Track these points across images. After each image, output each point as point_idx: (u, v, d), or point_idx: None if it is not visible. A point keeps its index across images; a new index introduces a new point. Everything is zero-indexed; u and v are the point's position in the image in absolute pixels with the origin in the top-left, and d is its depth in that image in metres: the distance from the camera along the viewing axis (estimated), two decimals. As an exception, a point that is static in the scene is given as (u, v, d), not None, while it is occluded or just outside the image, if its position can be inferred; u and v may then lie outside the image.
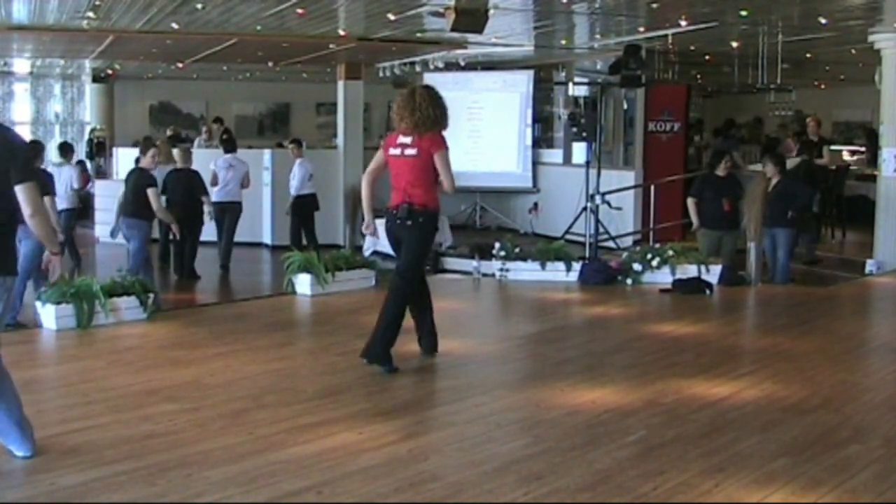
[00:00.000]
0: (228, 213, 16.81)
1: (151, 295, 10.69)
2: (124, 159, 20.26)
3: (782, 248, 13.61)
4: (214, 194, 16.55)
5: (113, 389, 7.70)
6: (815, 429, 6.88)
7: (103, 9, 14.01)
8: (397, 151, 8.79)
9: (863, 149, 22.82)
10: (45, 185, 10.58)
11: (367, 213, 9.19)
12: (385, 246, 17.27)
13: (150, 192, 13.00)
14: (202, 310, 12.27)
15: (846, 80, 24.39)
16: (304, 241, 17.46)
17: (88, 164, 25.01)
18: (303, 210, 17.94)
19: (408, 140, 8.71)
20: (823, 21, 13.89)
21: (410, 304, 8.86)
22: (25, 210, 5.86)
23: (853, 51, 17.35)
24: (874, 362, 9.68)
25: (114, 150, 23.66)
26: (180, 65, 22.64)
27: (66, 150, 16.74)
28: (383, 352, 8.41)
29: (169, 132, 26.82)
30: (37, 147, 13.08)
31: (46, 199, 10.74)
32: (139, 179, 13.14)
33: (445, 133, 8.78)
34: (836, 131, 26.52)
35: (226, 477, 5.77)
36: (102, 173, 24.61)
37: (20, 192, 5.82)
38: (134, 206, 13.09)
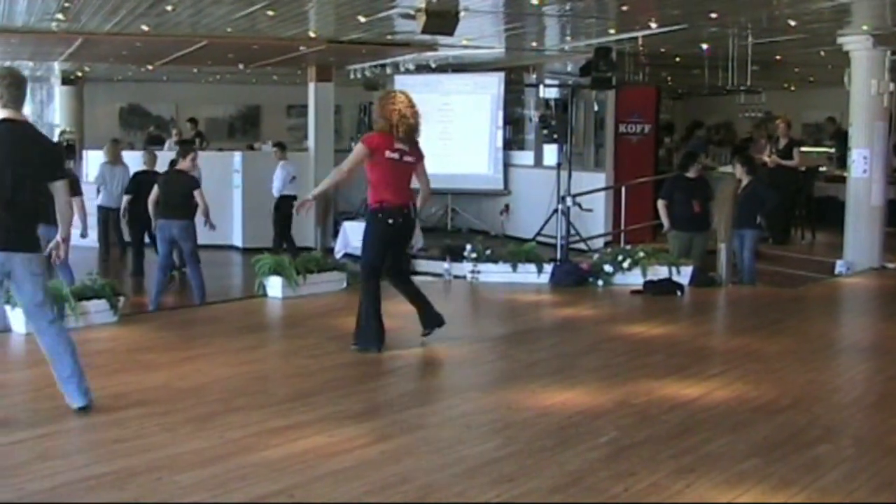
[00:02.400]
0: None
1: (122, 298, 10.66)
2: (94, 162, 20.16)
3: (748, 249, 13.67)
4: None
5: (82, 393, 7.65)
6: (786, 429, 6.91)
7: (72, 10, 13.95)
8: (396, 156, 8.97)
9: (832, 150, 22.92)
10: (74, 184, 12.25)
11: (319, 192, 9.80)
12: (356, 249, 17.34)
13: (198, 193, 13.10)
14: (172, 313, 12.22)
15: (815, 81, 24.50)
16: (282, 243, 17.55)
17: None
18: (283, 211, 18.00)
19: (405, 147, 8.97)
20: (792, 23, 13.96)
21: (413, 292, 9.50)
22: (61, 199, 7.06)
23: (822, 53, 17.43)
24: (843, 362, 9.74)
25: (84, 152, 23.53)
26: (150, 67, 22.56)
27: None
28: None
29: (152, 131, 26.82)
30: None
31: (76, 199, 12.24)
32: (188, 182, 13.19)
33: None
34: (806, 132, 26.63)
35: (196, 481, 5.74)
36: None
37: (59, 186, 7.01)
38: (185, 208, 13.13)
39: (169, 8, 13.59)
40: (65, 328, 7.38)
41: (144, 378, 8.20)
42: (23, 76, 7.12)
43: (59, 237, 7.16)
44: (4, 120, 6.76)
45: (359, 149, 9.09)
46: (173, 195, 13.16)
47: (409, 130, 8.91)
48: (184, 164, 13.41)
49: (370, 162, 9.00)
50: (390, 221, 9.03)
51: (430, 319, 9.50)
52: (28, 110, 27.57)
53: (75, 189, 12.75)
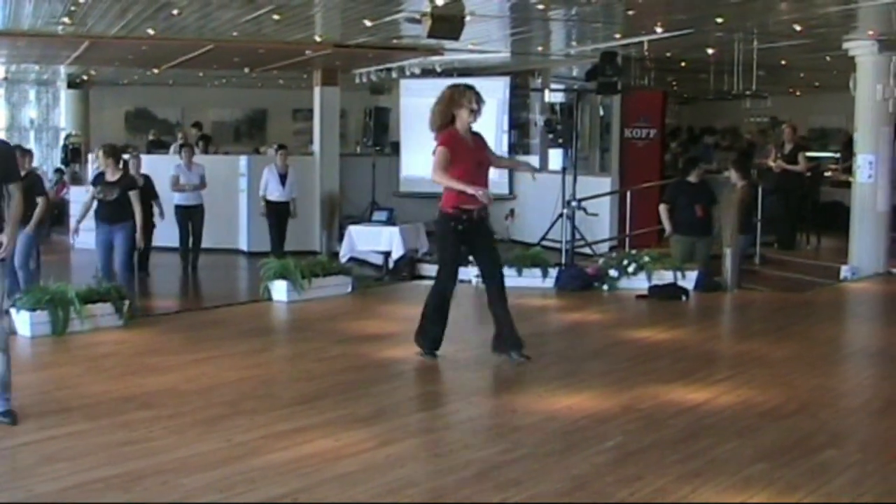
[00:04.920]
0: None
1: (127, 301, 10.67)
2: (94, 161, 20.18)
3: (733, 254, 13.69)
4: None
5: (89, 396, 7.66)
6: (792, 434, 6.90)
7: (79, 14, 13.97)
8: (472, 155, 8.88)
9: (838, 155, 22.92)
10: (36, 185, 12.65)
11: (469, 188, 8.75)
12: (362, 252, 17.34)
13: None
14: (178, 316, 12.22)
15: (821, 86, 24.50)
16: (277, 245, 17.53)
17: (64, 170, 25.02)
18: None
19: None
20: (798, 28, 13.95)
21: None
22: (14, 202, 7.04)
23: (828, 58, 17.43)
24: (850, 368, 9.74)
25: (89, 156, 23.56)
26: (156, 71, 22.59)
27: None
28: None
29: (151, 137, 26.83)
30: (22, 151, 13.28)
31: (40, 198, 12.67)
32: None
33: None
34: (812, 138, 26.64)
35: (203, 484, 5.75)
36: (78, 179, 24.51)
37: (13, 189, 7.02)
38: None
39: (175, 12, 13.61)
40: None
41: (151, 381, 8.20)
42: None
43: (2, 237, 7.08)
44: None
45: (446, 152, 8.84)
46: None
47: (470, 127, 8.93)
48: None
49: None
50: (465, 226, 8.96)
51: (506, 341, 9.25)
52: (34, 114, 27.88)
53: (39, 189, 12.85)
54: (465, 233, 8.88)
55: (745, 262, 14.82)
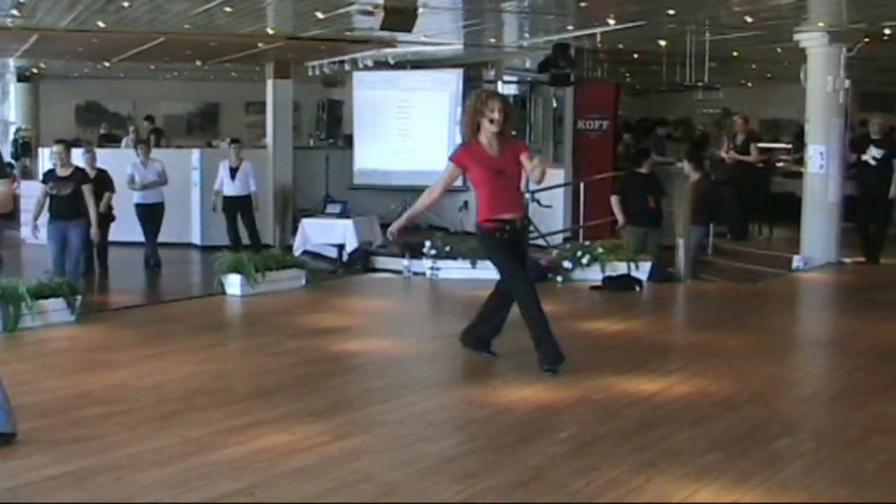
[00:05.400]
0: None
1: (79, 297, 10.59)
2: (51, 158, 20.03)
3: (689, 246, 13.76)
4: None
5: (41, 393, 7.59)
6: (745, 423, 6.95)
7: (28, 6, 13.85)
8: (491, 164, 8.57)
9: (789, 146, 23.06)
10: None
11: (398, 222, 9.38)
12: (316, 245, 17.30)
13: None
14: (131, 311, 12.13)
15: (773, 78, 24.63)
16: (242, 240, 17.49)
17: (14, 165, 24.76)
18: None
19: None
20: (749, 20, 14.03)
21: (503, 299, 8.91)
22: None
23: (779, 49, 17.54)
24: (802, 357, 9.83)
25: (39, 150, 23.34)
26: (107, 64, 22.43)
27: None
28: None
29: (102, 130, 26.62)
30: None
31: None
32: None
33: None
34: (764, 129, 26.78)
35: (157, 480, 5.71)
36: (28, 174, 24.29)
37: None
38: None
39: (126, 4, 13.51)
40: None
41: (103, 377, 8.15)
42: None
43: None
44: None
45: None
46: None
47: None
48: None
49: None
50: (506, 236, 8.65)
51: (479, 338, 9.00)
52: (-16, 108, 27.57)
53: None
54: (510, 242, 8.56)
55: (703, 253, 14.90)
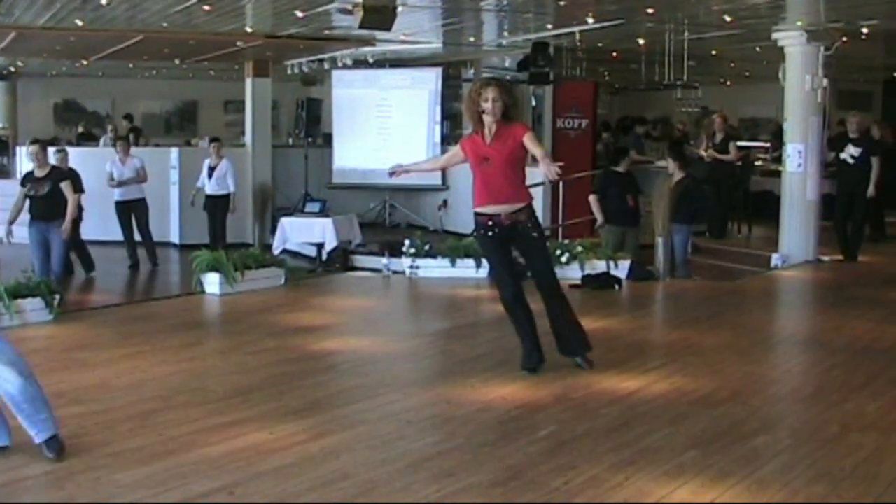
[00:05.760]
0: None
1: (57, 296, 10.56)
2: (28, 158, 19.99)
3: (680, 244, 13.79)
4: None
5: (18, 392, 7.56)
6: (724, 421, 6.96)
7: (5, 4, 13.78)
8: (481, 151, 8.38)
9: (768, 144, 23.14)
10: None
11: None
12: (295, 244, 17.29)
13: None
14: (109, 310, 12.07)
15: (751, 76, 24.72)
16: (217, 239, 17.42)
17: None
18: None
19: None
20: (728, 19, 14.07)
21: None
22: None
23: (757, 48, 17.59)
24: (780, 355, 9.85)
25: (17, 149, 23.29)
26: (85, 62, 22.36)
27: None
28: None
29: (80, 129, 26.53)
30: None
31: None
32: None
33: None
34: (743, 127, 26.87)
35: (135, 479, 5.70)
36: (5, 172, 24.21)
37: None
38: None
39: (104, 2, 13.45)
40: None
41: (82, 376, 8.13)
42: None
43: None
44: None
45: None
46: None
47: None
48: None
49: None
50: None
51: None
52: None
53: None
54: (501, 237, 8.39)
55: (693, 252, 14.90)
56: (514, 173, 8.29)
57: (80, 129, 26.61)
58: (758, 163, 21.76)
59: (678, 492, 5.59)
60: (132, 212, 17.14)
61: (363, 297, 12.71)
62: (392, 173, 8.92)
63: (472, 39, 18.74)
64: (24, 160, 20.40)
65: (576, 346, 8.55)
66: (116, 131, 23.29)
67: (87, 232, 16.51)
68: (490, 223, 8.34)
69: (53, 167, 13.09)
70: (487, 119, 8.16)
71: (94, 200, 16.56)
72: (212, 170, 17.83)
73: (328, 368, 8.72)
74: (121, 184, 17.07)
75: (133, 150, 18.69)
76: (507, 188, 8.28)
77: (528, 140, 8.12)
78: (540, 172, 8.28)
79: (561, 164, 7.81)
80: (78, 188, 14.93)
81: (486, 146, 8.20)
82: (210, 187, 17.84)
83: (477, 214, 8.47)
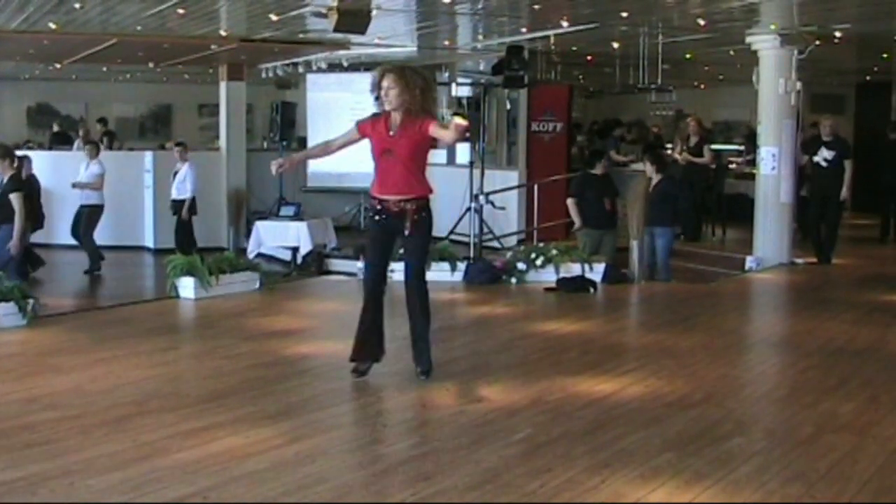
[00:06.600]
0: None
1: (31, 300, 10.51)
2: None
3: (662, 247, 13.81)
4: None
5: (-9, 397, 7.54)
6: (699, 423, 6.98)
7: (-23, 9, 13.73)
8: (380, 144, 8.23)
9: (742, 147, 23.24)
10: None
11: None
12: (270, 248, 17.23)
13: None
14: (83, 315, 12.03)
15: (725, 80, 24.80)
16: (178, 242, 17.32)
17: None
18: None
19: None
20: (702, 22, 14.11)
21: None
22: None
23: (731, 52, 17.65)
24: (754, 357, 9.88)
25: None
26: (59, 65, 22.26)
27: None
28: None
29: (55, 129, 26.42)
30: None
31: None
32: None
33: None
34: (716, 130, 26.96)
35: (110, 485, 5.67)
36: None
37: None
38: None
39: (77, 5, 13.40)
40: None
41: (55, 381, 8.08)
42: None
43: None
44: None
45: None
46: None
47: None
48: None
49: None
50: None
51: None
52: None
53: None
54: (387, 226, 8.28)
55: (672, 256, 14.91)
56: (415, 165, 8.11)
57: (56, 129, 26.52)
58: (731, 166, 21.84)
59: (654, 494, 5.60)
60: (80, 216, 16.95)
61: (338, 300, 12.68)
62: (280, 166, 8.70)
63: (446, 43, 18.75)
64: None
65: (422, 361, 8.34)
66: (88, 134, 23.19)
67: (58, 236, 16.45)
68: (379, 208, 8.19)
69: (13, 176, 12.87)
70: (388, 108, 7.98)
71: (67, 205, 16.50)
72: (176, 174, 17.80)
73: (303, 372, 8.70)
74: (73, 185, 16.95)
75: (107, 154, 18.62)
76: (405, 179, 8.07)
77: (435, 130, 7.87)
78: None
79: (466, 123, 7.56)
80: (35, 195, 14.73)
81: (390, 137, 8.02)
82: (174, 191, 17.81)
83: (371, 199, 8.31)
